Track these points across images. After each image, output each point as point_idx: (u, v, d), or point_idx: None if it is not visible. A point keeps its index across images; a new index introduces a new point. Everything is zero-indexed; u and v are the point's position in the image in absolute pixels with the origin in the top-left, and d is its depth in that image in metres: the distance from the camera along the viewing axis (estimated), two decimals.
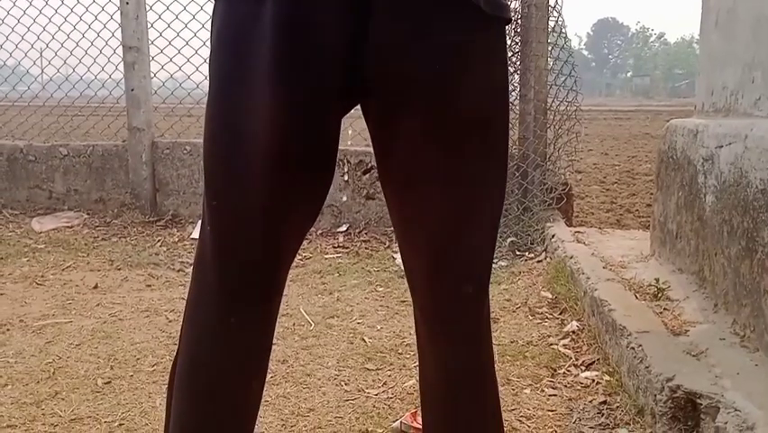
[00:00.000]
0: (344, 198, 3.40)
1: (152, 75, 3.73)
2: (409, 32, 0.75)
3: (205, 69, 3.75)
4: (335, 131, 0.81)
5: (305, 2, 0.74)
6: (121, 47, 3.66)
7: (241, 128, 0.78)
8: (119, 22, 3.63)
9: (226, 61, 0.79)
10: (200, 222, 0.89)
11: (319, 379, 1.73)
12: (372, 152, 0.88)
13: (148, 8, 3.66)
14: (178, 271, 2.78)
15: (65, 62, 4.11)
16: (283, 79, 0.75)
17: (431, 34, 0.75)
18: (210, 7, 3.64)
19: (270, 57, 0.74)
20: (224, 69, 0.79)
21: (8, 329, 2.07)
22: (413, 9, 0.75)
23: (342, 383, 1.71)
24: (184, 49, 3.78)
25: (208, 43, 0.85)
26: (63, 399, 1.61)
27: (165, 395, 0.96)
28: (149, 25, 3.67)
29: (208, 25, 0.84)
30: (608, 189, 5.21)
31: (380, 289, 2.52)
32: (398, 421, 1.48)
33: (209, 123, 0.82)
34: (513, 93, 3.17)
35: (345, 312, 2.25)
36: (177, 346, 0.92)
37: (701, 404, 1.30)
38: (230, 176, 0.81)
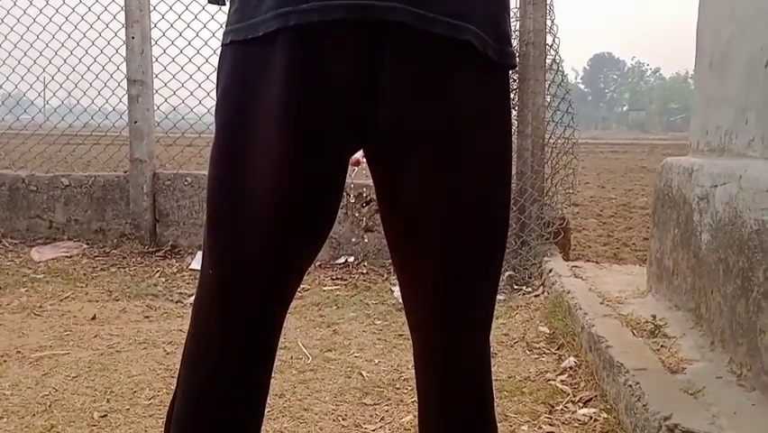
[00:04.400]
0: (343, 230, 3.42)
1: (156, 107, 3.78)
2: (418, 80, 0.76)
3: (208, 102, 3.81)
4: (342, 176, 0.83)
5: (315, 51, 0.75)
6: (125, 80, 3.72)
7: (244, 175, 0.79)
8: (124, 55, 3.69)
9: (233, 108, 0.80)
10: (199, 253, 0.90)
11: (316, 414, 1.73)
12: (371, 184, 0.90)
13: (153, 42, 3.72)
14: (177, 302, 2.78)
15: (69, 94, 4.17)
16: (291, 128, 0.77)
17: (440, 83, 0.77)
18: (214, 43, 3.71)
19: (279, 105, 0.76)
20: (230, 115, 0.81)
21: (5, 360, 2.07)
22: (422, 57, 0.76)
23: (340, 418, 1.70)
24: (188, 82, 3.84)
25: (211, 77, 0.87)
26: (59, 432, 1.60)
27: (161, 430, 0.96)
28: (153, 59, 3.73)
29: (212, 60, 0.86)
30: (604, 223, 5.24)
31: (378, 322, 2.52)
32: None
33: (214, 167, 0.83)
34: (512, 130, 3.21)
35: (343, 345, 2.25)
36: (174, 383, 0.93)
37: None
38: (234, 221, 0.82)
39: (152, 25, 3.71)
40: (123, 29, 3.68)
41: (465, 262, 0.84)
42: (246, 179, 0.80)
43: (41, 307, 2.65)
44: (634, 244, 4.36)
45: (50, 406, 1.74)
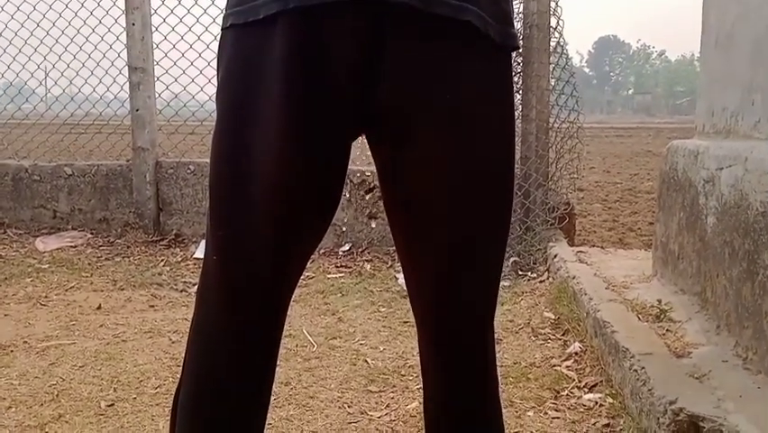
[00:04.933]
0: (347, 218, 3.42)
1: (157, 95, 3.77)
2: (419, 61, 0.76)
3: (209, 88, 3.79)
4: (344, 160, 0.82)
5: (315, 33, 0.74)
6: (126, 67, 3.70)
7: (248, 160, 0.79)
8: (125, 42, 3.67)
9: (234, 93, 0.80)
10: (203, 242, 0.90)
11: (322, 401, 1.73)
12: (374, 170, 0.90)
13: (154, 29, 3.70)
14: (181, 291, 2.79)
15: (71, 82, 4.16)
16: (292, 113, 0.76)
17: (441, 64, 0.76)
18: (215, 29, 3.69)
19: (280, 89, 0.75)
20: (231, 101, 0.80)
21: (12, 351, 2.08)
22: (424, 39, 0.75)
23: (346, 406, 1.71)
24: (189, 69, 3.82)
25: (213, 64, 0.86)
26: (67, 421, 1.61)
27: (168, 418, 0.96)
28: (154, 46, 3.71)
29: (213, 46, 0.85)
30: (610, 208, 5.22)
31: (383, 309, 2.52)
32: None
33: (215, 153, 0.82)
34: (515, 112, 3.19)
35: (348, 333, 2.25)
36: (180, 371, 0.93)
37: (704, 427, 1.30)
38: (236, 208, 0.81)
39: (152, 11, 3.69)
40: (124, 15, 3.65)
41: (468, 243, 0.83)
42: (248, 164, 0.79)
43: (46, 297, 2.66)
44: (639, 228, 4.34)
45: (57, 395, 1.75)
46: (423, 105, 0.77)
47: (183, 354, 0.93)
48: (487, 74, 0.80)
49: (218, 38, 0.85)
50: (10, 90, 4.41)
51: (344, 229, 3.43)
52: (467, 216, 0.82)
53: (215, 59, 0.85)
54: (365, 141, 0.87)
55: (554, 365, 1.94)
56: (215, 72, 0.85)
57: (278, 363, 0.93)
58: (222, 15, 0.84)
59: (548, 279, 2.75)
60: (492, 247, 0.87)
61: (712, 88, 2.11)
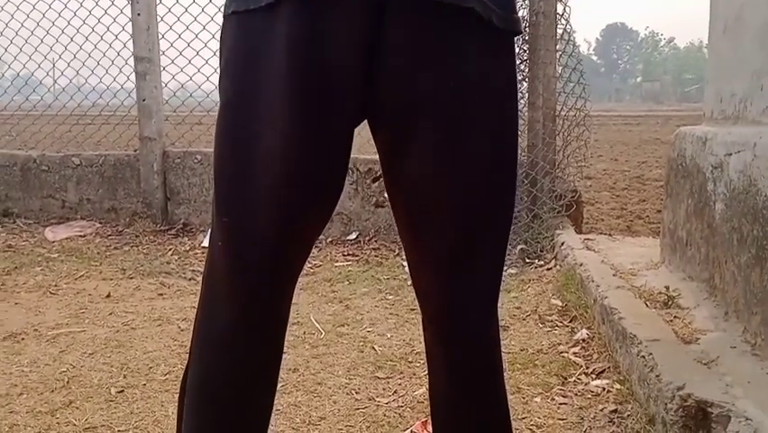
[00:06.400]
0: (354, 206, 3.42)
1: (164, 85, 3.77)
2: (422, 48, 0.76)
3: (215, 78, 3.78)
4: (346, 147, 0.82)
5: (317, 19, 0.74)
6: (132, 57, 3.71)
7: (251, 147, 0.79)
8: (131, 33, 3.67)
9: (237, 80, 0.80)
10: (210, 231, 0.90)
11: (330, 387, 1.74)
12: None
13: (159, 19, 3.70)
14: (190, 279, 2.80)
15: (78, 73, 4.17)
16: (295, 100, 0.76)
17: (443, 51, 0.76)
18: (220, 18, 3.68)
19: (282, 77, 0.75)
20: (234, 88, 0.80)
21: (23, 338, 2.10)
22: (425, 24, 0.76)
23: (353, 392, 1.72)
24: (194, 59, 3.82)
25: (218, 53, 0.86)
26: (77, 408, 1.63)
27: (177, 404, 0.97)
28: (160, 36, 3.71)
29: (218, 36, 0.85)
30: (618, 195, 5.20)
31: (390, 297, 2.53)
32: (409, 430, 1.48)
33: (219, 140, 0.83)
34: (521, 101, 3.18)
35: (355, 320, 2.26)
36: (188, 357, 0.94)
37: (712, 413, 1.30)
38: (240, 194, 0.82)
39: (158, 1, 3.69)
40: (129, 5, 3.65)
41: (470, 227, 0.84)
42: (252, 149, 0.79)
43: (56, 285, 2.69)
44: (647, 216, 4.33)
45: (68, 382, 1.77)
46: (424, 91, 0.77)
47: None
48: (489, 60, 0.80)
49: None
50: (17, 82, 4.41)
51: (351, 218, 3.43)
52: (468, 200, 0.83)
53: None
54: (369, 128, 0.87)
55: (562, 352, 1.94)
56: (220, 61, 0.85)
57: (285, 350, 0.93)
58: (225, 3, 0.84)
59: (555, 266, 2.75)
60: (494, 231, 0.87)
61: (720, 74, 2.09)
